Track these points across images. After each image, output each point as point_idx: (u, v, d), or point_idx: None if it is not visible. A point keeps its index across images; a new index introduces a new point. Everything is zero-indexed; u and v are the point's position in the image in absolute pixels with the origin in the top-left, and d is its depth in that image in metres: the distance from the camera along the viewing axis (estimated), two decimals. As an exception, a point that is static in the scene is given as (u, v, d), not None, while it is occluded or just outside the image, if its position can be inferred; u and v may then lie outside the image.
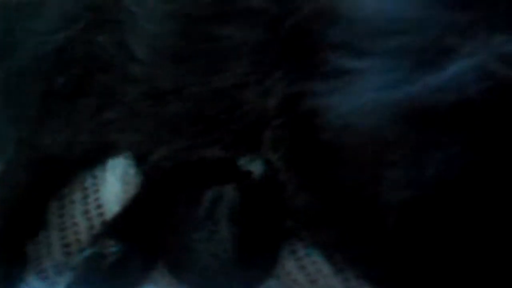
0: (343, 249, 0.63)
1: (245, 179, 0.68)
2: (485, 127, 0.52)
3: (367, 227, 0.58)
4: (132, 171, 0.75)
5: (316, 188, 0.61)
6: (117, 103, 0.64)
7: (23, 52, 0.64)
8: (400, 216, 0.54)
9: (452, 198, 0.53)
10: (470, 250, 0.53)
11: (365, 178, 0.56)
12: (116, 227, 0.72)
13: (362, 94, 0.54)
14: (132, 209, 0.73)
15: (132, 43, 0.62)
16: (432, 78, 0.52)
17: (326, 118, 0.56)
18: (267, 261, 0.68)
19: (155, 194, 0.72)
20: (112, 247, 0.68)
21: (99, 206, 0.76)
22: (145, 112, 0.63)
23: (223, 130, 0.62)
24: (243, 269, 0.67)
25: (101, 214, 0.75)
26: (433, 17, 0.54)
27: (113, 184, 0.76)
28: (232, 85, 0.60)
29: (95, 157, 0.72)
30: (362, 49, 0.55)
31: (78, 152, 0.69)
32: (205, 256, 0.66)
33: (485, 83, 0.51)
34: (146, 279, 0.70)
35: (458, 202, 0.53)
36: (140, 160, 0.73)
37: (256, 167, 0.68)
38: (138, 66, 0.62)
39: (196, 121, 0.62)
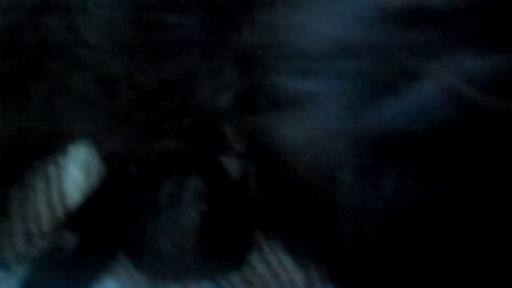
0: (306, 250, 0.62)
1: (209, 170, 0.66)
2: (449, 154, 0.49)
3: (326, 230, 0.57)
4: (94, 160, 0.74)
5: (276, 188, 0.60)
6: (68, 89, 0.62)
7: None
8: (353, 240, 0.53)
9: (404, 229, 0.51)
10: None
11: (319, 198, 0.55)
12: (75, 219, 0.70)
13: (316, 123, 0.52)
14: (92, 200, 0.71)
15: (82, 28, 0.61)
16: (392, 102, 0.49)
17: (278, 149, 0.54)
18: (231, 252, 0.66)
19: (116, 183, 0.71)
20: (70, 240, 0.67)
21: (62, 195, 0.74)
22: (95, 100, 0.62)
23: (177, 121, 0.60)
24: (204, 259, 0.64)
25: (64, 203, 0.73)
26: (387, 38, 0.50)
27: (75, 173, 0.74)
28: (181, 76, 0.58)
29: (52, 145, 0.70)
30: (314, 72, 0.52)
31: (33, 140, 0.67)
32: (165, 245, 0.64)
33: (454, 109, 0.48)
34: (106, 271, 0.69)
35: (409, 233, 0.51)
36: (100, 149, 0.71)
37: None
38: (88, 51, 0.61)
39: (148, 111, 0.60)
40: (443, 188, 0.48)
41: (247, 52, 0.56)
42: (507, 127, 0.47)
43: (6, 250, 0.72)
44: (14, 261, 0.71)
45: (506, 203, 0.48)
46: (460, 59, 0.46)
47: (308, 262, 0.63)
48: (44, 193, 0.75)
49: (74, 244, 0.67)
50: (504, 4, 0.47)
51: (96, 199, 0.71)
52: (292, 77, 0.52)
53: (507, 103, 0.46)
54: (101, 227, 0.69)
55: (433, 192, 0.48)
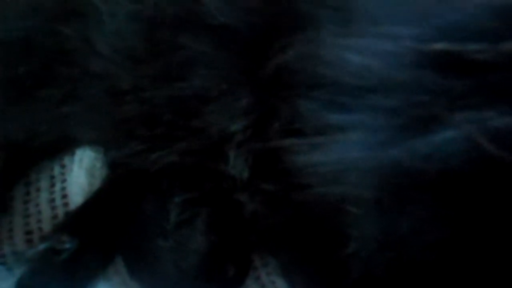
0: (302, 276, 0.62)
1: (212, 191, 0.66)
2: (464, 201, 0.49)
3: (328, 257, 0.57)
4: (99, 164, 0.74)
5: (280, 210, 0.60)
6: (77, 97, 0.63)
7: None
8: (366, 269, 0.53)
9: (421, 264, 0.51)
10: None
11: (331, 229, 0.55)
12: (74, 222, 0.71)
13: (343, 153, 0.52)
14: (92, 204, 0.72)
15: (96, 39, 0.61)
16: (417, 143, 0.49)
17: (302, 176, 0.54)
18: (231, 278, 0.66)
19: (118, 191, 0.71)
20: (66, 243, 0.68)
21: (65, 196, 0.75)
22: (103, 110, 0.62)
23: (180, 138, 0.60)
24: (205, 284, 0.65)
25: (66, 204, 0.74)
26: (424, 81, 0.50)
27: (79, 176, 0.75)
28: (190, 95, 0.58)
29: (59, 147, 0.71)
30: (345, 104, 0.52)
31: (40, 142, 0.68)
32: (168, 266, 0.65)
33: (471, 156, 0.48)
34: (100, 276, 0.69)
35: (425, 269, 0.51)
36: (105, 155, 0.72)
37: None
38: (100, 62, 0.61)
39: (152, 125, 0.60)
40: (453, 231, 0.48)
41: (269, 78, 0.56)
42: None
43: (5, 247, 0.73)
44: (12, 257, 0.72)
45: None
46: (488, 114, 0.47)
47: (301, 286, 0.64)
48: (47, 193, 0.76)
49: (71, 247, 0.67)
50: None
51: (97, 203, 0.71)
52: (321, 107, 0.52)
53: None
54: (99, 231, 0.69)
55: (443, 235, 0.48)
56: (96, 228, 0.69)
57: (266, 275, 0.68)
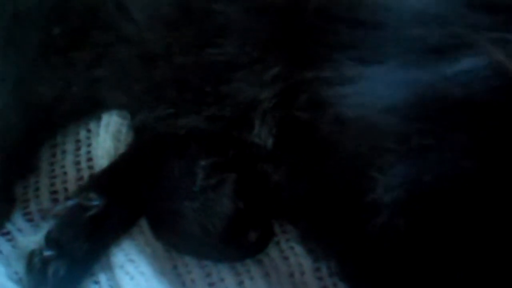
0: (321, 243, 0.64)
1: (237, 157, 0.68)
2: (489, 129, 0.51)
3: (349, 224, 0.59)
4: (125, 129, 0.76)
5: (303, 180, 0.62)
6: (109, 61, 0.65)
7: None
8: (391, 216, 0.54)
9: (447, 204, 0.53)
10: (459, 257, 0.54)
11: (357, 175, 0.56)
12: (101, 181, 0.73)
13: (375, 79, 0.54)
14: (119, 165, 0.74)
15: (130, 4, 0.63)
16: (445, 68, 0.52)
17: (337, 108, 0.56)
18: (255, 244, 0.68)
19: (144, 154, 0.73)
20: (94, 200, 0.70)
21: (90, 159, 0.77)
22: (134, 74, 0.64)
23: (208, 104, 0.62)
24: (228, 246, 0.68)
25: (91, 167, 0.76)
26: (457, 15, 0.54)
27: (105, 140, 0.77)
28: (221, 61, 0.60)
29: (86, 111, 0.73)
30: (382, 40, 0.55)
31: (69, 104, 0.69)
32: (193, 225, 0.67)
33: (496, 82, 0.51)
34: (125, 234, 0.71)
35: (452, 209, 0.53)
36: (132, 119, 0.74)
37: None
38: (133, 27, 0.63)
39: (182, 90, 0.62)
40: (478, 165, 0.51)
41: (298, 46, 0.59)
42: None
43: (31, 205, 0.75)
44: (38, 215, 0.74)
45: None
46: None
47: (319, 253, 0.65)
48: (73, 155, 0.78)
49: (98, 204, 0.69)
50: None
51: (123, 164, 0.73)
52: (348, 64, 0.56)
53: None
54: (125, 191, 0.71)
55: (469, 168, 0.51)
56: (122, 188, 0.71)
57: (286, 241, 0.70)
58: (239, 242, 0.67)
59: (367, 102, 0.55)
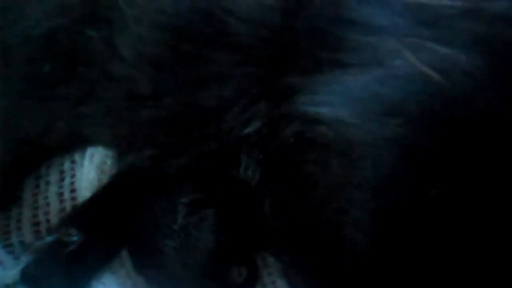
0: (303, 276, 0.64)
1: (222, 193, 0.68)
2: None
3: (329, 257, 0.60)
4: (109, 161, 0.76)
5: (287, 213, 0.62)
6: (96, 98, 0.64)
7: (13, 32, 0.65)
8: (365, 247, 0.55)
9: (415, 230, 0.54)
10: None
11: (335, 210, 0.57)
12: (81, 216, 0.72)
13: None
14: (100, 199, 0.73)
15: (119, 42, 0.63)
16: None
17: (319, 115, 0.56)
18: (242, 285, 0.69)
19: (127, 188, 0.73)
20: (73, 236, 0.69)
21: (73, 190, 0.77)
22: (120, 112, 0.64)
23: (195, 144, 0.62)
24: (211, 284, 0.67)
25: (74, 198, 0.76)
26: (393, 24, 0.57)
27: (89, 171, 0.76)
28: (210, 103, 0.60)
29: (72, 145, 0.73)
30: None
31: (55, 139, 0.69)
32: (174, 263, 0.67)
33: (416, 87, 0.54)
34: (105, 268, 0.71)
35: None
36: (118, 160, 0.74)
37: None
38: (121, 66, 0.63)
39: (170, 131, 0.62)
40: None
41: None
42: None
43: (13, 236, 0.74)
44: (19, 247, 0.73)
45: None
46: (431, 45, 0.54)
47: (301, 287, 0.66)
48: (56, 186, 0.77)
49: (77, 240, 0.69)
50: None
51: (104, 198, 0.73)
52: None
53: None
54: (105, 226, 0.71)
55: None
56: (103, 222, 0.71)
57: (268, 275, 0.70)
58: (222, 278, 0.67)
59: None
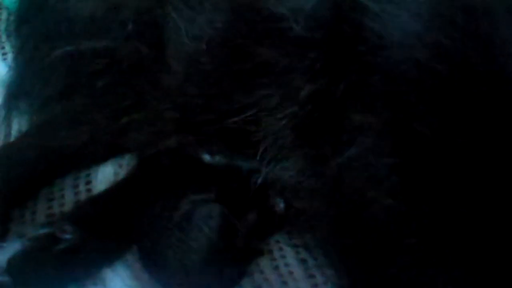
0: (322, 252, 0.68)
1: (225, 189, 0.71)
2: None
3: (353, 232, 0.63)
4: (127, 156, 0.78)
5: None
6: (143, 108, 0.67)
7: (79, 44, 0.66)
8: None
9: None
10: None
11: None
12: (81, 213, 0.72)
13: None
14: (106, 197, 0.74)
15: (172, 56, 0.65)
16: None
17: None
18: (233, 274, 0.71)
19: (140, 185, 0.74)
20: (68, 233, 0.68)
21: (88, 182, 0.78)
22: (169, 120, 0.67)
23: (231, 143, 0.66)
24: (209, 280, 0.69)
25: (89, 190, 0.77)
26: None
27: (106, 165, 0.78)
28: (254, 104, 0.64)
29: (106, 156, 0.75)
30: None
31: (92, 151, 0.71)
32: (173, 262, 0.68)
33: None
34: (107, 264, 0.70)
35: None
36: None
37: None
38: (172, 78, 0.65)
39: (211, 132, 0.66)
40: None
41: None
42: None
43: (27, 226, 0.74)
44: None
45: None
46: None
47: (317, 273, 0.70)
48: (72, 178, 0.77)
49: (71, 238, 0.68)
50: None
51: (111, 196, 0.74)
52: None
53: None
54: (105, 227, 0.71)
55: None
56: (103, 224, 0.70)
57: (285, 266, 0.73)
58: (219, 273, 0.69)
59: None
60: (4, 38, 0.87)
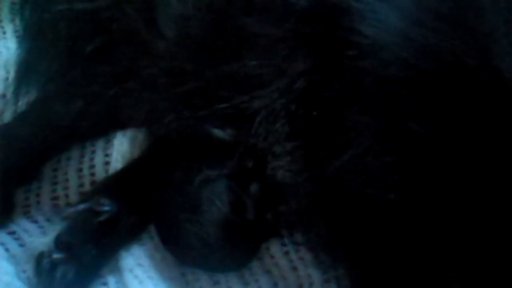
0: (328, 248, 0.67)
1: (242, 165, 0.70)
2: None
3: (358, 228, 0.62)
4: (141, 135, 0.78)
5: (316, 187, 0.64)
6: (134, 76, 0.66)
7: (55, 8, 0.66)
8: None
9: None
10: None
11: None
12: (113, 186, 0.74)
13: None
14: (131, 171, 0.75)
15: (161, 21, 0.65)
16: None
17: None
18: (249, 249, 0.70)
19: (154, 162, 0.75)
20: (105, 206, 0.70)
21: (92, 166, 0.78)
22: (161, 87, 0.66)
23: (230, 111, 0.65)
24: (225, 254, 0.69)
25: (92, 174, 0.78)
26: None
27: (122, 143, 0.78)
28: (244, 74, 0.63)
29: (104, 130, 0.74)
30: None
31: (87, 124, 0.71)
32: (190, 236, 0.68)
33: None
34: (134, 239, 0.72)
35: None
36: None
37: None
38: (163, 43, 0.65)
39: (205, 103, 0.65)
40: None
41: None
42: None
43: (32, 210, 0.75)
44: (41, 218, 0.74)
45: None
46: None
47: (328, 261, 0.68)
48: (77, 162, 0.78)
49: (109, 210, 0.70)
50: None
51: (135, 170, 0.75)
52: None
53: None
54: (136, 197, 0.72)
55: None
56: (134, 194, 0.73)
57: (295, 251, 0.72)
58: (236, 247, 0.69)
59: None
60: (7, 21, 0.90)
